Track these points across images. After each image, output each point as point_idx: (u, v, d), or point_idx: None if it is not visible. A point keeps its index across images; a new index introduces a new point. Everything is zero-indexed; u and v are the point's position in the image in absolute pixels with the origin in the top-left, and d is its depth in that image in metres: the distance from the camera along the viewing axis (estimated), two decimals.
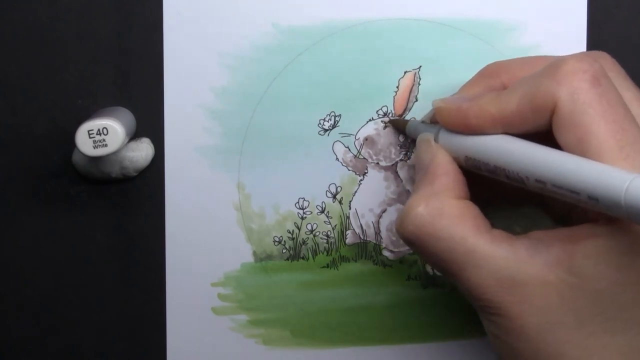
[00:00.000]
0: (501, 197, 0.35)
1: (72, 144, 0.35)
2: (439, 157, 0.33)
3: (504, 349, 0.31)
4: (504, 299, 0.30)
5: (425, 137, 0.35)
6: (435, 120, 0.35)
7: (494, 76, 0.35)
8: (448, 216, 0.31)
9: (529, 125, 0.30)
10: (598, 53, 0.33)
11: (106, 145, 0.35)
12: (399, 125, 0.39)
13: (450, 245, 0.31)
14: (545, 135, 0.30)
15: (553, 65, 0.30)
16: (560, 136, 0.29)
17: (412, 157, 0.40)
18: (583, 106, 0.29)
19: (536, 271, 0.29)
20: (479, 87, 0.35)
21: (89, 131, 0.35)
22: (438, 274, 0.41)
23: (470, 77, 0.35)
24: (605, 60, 0.32)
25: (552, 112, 0.29)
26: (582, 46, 0.41)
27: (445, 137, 0.34)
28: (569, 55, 0.31)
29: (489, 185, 0.33)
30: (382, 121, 0.40)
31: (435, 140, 0.34)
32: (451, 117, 0.33)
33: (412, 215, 0.32)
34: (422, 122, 0.37)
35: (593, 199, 0.27)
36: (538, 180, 0.29)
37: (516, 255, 0.30)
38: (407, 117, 0.40)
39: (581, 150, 0.28)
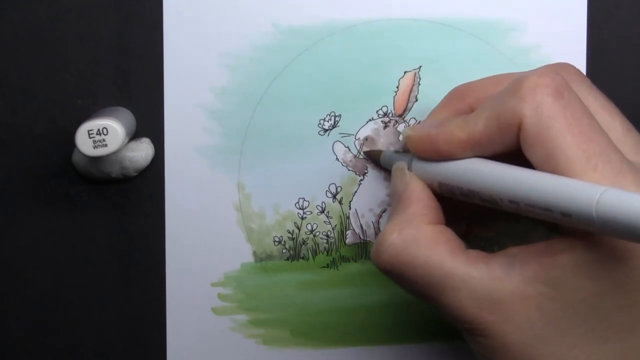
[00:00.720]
0: (492, 213, 0.36)
1: (72, 144, 0.35)
2: (412, 184, 0.33)
3: None
4: (485, 319, 0.30)
5: (399, 166, 0.35)
6: (407, 149, 0.35)
7: (461, 99, 0.35)
8: (422, 242, 0.31)
9: (498, 146, 0.30)
10: (561, 65, 0.33)
11: (106, 145, 0.35)
12: (373, 156, 0.40)
13: (426, 270, 0.31)
14: (518, 155, 0.30)
15: (515, 82, 0.30)
16: (529, 153, 0.29)
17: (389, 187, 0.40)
18: (548, 120, 0.28)
19: (514, 287, 0.29)
20: (447, 111, 0.35)
21: (89, 131, 0.35)
22: None
23: (470, 77, 0.35)
24: (569, 72, 0.32)
25: (519, 129, 0.29)
26: (582, 46, 0.41)
27: (418, 164, 0.34)
28: (531, 71, 0.31)
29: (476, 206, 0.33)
30: (380, 120, 0.40)
31: (409, 168, 0.34)
32: (421, 145, 0.33)
33: (387, 244, 0.32)
34: (396, 151, 0.37)
35: (566, 215, 0.27)
36: (511, 201, 0.29)
37: (492, 273, 0.30)
38: (407, 118, 0.40)
39: (550, 165, 0.28)
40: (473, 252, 0.31)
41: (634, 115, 0.42)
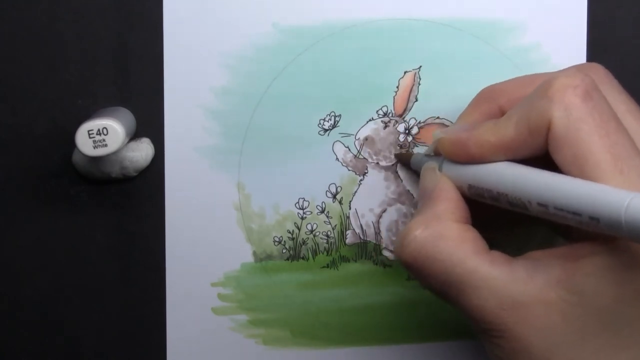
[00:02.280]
0: (510, 219, 0.36)
1: (72, 144, 0.35)
2: (442, 183, 0.33)
3: None
4: (506, 320, 0.30)
5: (430, 166, 0.35)
6: (438, 152, 0.35)
7: (490, 100, 0.35)
8: (447, 238, 0.31)
9: (528, 149, 0.30)
10: (591, 65, 0.33)
11: (106, 145, 0.35)
12: (404, 159, 0.40)
13: (449, 267, 0.31)
14: (545, 160, 0.30)
15: (545, 84, 0.30)
16: (556, 154, 0.29)
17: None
18: (576, 122, 0.29)
19: (537, 291, 0.29)
20: (477, 114, 0.35)
21: (89, 131, 0.35)
22: None
23: (470, 77, 0.35)
24: (598, 72, 0.32)
25: (548, 131, 0.29)
26: (582, 46, 0.41)
27: (449, 166, 0.34)
28: (560, 71, 0.31)
29: (496, 210, 0.33)
30: (380, 120, 0.40)
31: (439, 170, 0.34)
32: (452, 148, 0.33)
33: (411, 237, 0.32)
34: (426, 155, 0.37)
35: (594, 219, 0.27)
36: (540, 204, 0.29)
37: (515, 275, 0.30)
38: (407, 118, 0.40)
39: (577, 166, 0.28)
40: (497, 254, 0.31)
41: None
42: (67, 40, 0.38)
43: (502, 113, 0.33)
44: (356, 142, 0.40)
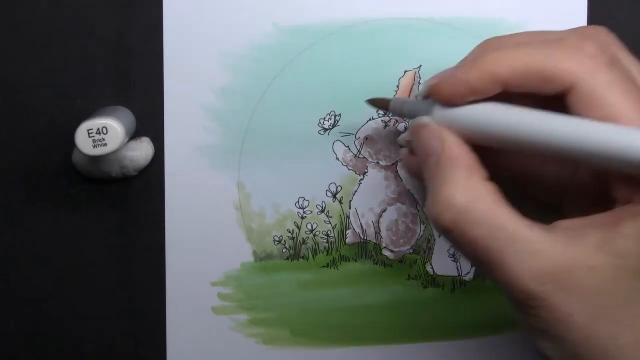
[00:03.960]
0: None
1: (72, 144, 0.35)
2: (450, 140, 0.32)
3: (553, 344, 0.30)
4: (548, 287, 0.29)
5: (423, 122, 0.33)
6: (435, 94, 0.33)
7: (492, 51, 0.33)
8: (485, 202, 0.30)
9: (531, 89, 0.31)
10: (600, 30, 0.33)
11: (106, 145, 0.35)
12: (380, 105, 0.38)
13: (490, 232, 0.30)
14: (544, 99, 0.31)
15: (570, 46, 0.30)
16: (583, 112, 0.30)
17: (402, 136, 0.39)
18: (605, 86, 0.29)
19: (579, 255, 0.29)
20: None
21: (88, 131, 0.35)
22: (438, 273, 0.41)
23: None
24: (608, 38, 0.32)
25: (568, 88, 0.30)
26: None
27: (443, 115, 0.32)
28: (582, 38, 0.31)
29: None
30: (380, 120, 0.40)
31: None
32: (450, 88, 0.32)
33: (448, 203, 0.30)
34: (414, 102, 0.35)
35: (626, 160, 0.28)
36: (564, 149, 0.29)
37: (557, 239, 0.29)
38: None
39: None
40: (530, 220, 0.30)
41: None
42: (67, 40, 0.38)
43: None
44: (356, 142, 0.40)
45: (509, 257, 0.29)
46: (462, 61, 0.34)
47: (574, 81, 0.30)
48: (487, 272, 0.30)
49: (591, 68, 0.30)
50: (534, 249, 0.29)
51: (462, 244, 0.30)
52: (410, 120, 0.34)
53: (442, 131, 0.32)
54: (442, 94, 0.32)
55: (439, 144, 0.32)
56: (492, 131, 0.31)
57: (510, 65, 0.30)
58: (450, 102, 0.32)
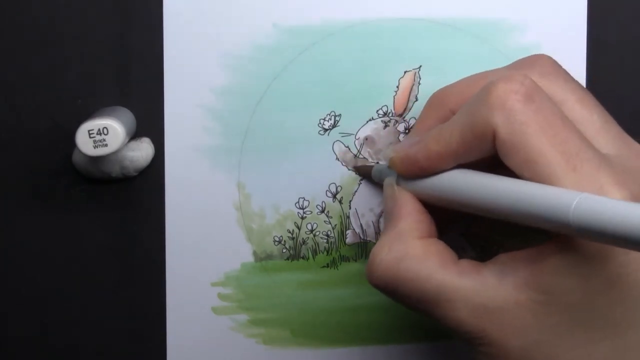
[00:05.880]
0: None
1: (72, 144, 0.35)
2: (400, 199, 0.33)
3: None
4: (482, 327, 0.30)
5: (389, 182, 0.35)
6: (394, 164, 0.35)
7: (441, 105, 0.35)
8: (412, 257, 0.31)
9: (477, 153, 0.30)
10: (534, 58, 0.33)
11: (106, 145, 0.35)
12: (363, 172, 0.40)
13: (417, 284, 0.31)
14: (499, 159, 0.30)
15: (485, 91, 0.30)
16: (507, 160, 0.29)
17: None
18: (521, 126, 0.28)
19: (507, 295, 0.29)
20: (430, 120, 0.35)
21: (89, 131, 0.35)
22: None
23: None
24: (543, 63, 0.32)
25: (494, 138, 0.29)
26: (582, 46, 0.41)
27: (405, 180, 0.34)
28: (500, 73, 0.31)
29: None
30: (380, 120, 0.40)
31: (397, 183, 0.34)
32: (404, 166, 0.33)
33: (377, 261, 0.32)
34: (388, 166, 0.37)
35: (546, 222, 0.27)
36: (492, 211, 0.29)
37: (485, 282, 0.30)
38: (407, 117, 0.40)
39: (529, 169, 0.28)
40: (465, 262, 0.31)
41: (633, 114, 0.42)
42: (67, 40, 0.38)
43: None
44: (356, 142, 0.40)
45: (441, 304, 0.30)
46: (417, 122, 0.36)
47: (494, 129, 0.29)
48: (429, 318, 0.31)
49: (506, 112, 0.29)
50: (463, 295, 0.30)
51: (395, 299, 0.32)
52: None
53: (399, 191, 0.34)
54: (399, 171, 0.34)
55: (392, 203, 0.34)
56: (437, 195, 0.32)
57: (450, 140, 0.31)
58: (406, 176, 0.33)
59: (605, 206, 0.25)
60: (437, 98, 0.35)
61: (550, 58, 0.33)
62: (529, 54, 0.38)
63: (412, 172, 0.33)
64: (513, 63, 0.34)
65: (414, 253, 0.31)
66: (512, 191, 0.28)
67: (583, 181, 0.28)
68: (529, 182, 0.28)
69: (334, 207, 0.40)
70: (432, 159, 0.32)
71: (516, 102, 0.29)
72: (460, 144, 0.31)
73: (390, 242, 0.32)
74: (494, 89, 0.29)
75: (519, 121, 0.29)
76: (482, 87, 0.30)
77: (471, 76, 0.35)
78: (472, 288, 0.30)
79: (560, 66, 0.33)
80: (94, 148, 0.35)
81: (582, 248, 0.28)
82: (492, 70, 0.34)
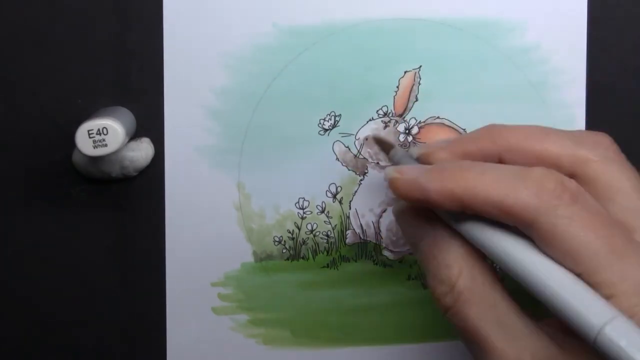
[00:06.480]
0: None
1: (72, 144, 0.35)
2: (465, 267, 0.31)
3: None
4: None
5: (430, 234, 0.32)
6: (424, 162, 0.33)
7: (492, 140, 0.33)
8: (481, 282, 0.31)
9: (491, 216, 0.30)
10: (598, 139, 0.32)
11: (106, 145, 0.35)
12: (383, 146, 0.37)
13: (482, 311, 0.30)
14: None
15: (532, 180, 0.29)
16: (547, 248, 0.29)
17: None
18: (564, 220, 0.28)
19: (559, 355, 0.29)
20: (475, 147, 0.33)
21: (89, 131, 0.35)
22: None
23: (470, 76, 0.35)
24: (607, 147, 0.32)
25: (528, 223, 0.29)
26: (582, 46, 0.41)
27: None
28: (546, 173, 0.29)
29: None
30: (380, 120, 0.40)
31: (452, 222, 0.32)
32: (409, 192, 0.31)
33: (450, 283, 0.31)
34: (410, 156, 0.35)
35: (571, 326, 0.27)
36: (521, 282, 0.29)
37: (541, 333, 0.30)
38: (407, 117, 0.40)
39: (572, 260, 0.28)
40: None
41: (633, 115, 0.42)
42: (67, 40, 0.38)
43: (499, 158, 0.32)
44: (356, 142, 0.40)
45: (495, 336, 0.30)
46: (460, 143, 0.33)
47: (533, 217, 0.29)
48: (473, 350, 0.31)
49: (551, 207, 0.28)
50: (521, 334, 0.29)
51: (455, 320, 0.31)
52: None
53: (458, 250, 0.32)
54: (399, 195, 0.32)
55: (433, 224, 0.32)
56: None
57: (471, 192, 0.30)
58: (404, 199, 0.32)
59: (630, 339, 0.25)
60: (491, 132, 0.33)
61: (612, 141, 0.32)
62: (529, 54, 0.38)
63: (413, 197, 0.31)
64: (576, 134, 0.32)
65: (482, 276, 0.31)
66: (550, 280, 0.28)
67: (630, 271, 0.27)
68: (569, 274, 0.28)
69: (334, 207, 0.40)
70: (442, 195, 0.30)
71: (561, 199, 0.29)
72: (480, 203, 0.30)
73: (459, 262, 0.31)
74: (543, 183, 0.29)
75: (563, 215, 0.28)
76: (527, 175, 0.29)
77: (534, 127, 0.33)
78: (531, 331, 0.30)
79: (618, 150, 0.32)
80: (94, 148, 0.35)
81: None
82: (552, 131, 0.33)
